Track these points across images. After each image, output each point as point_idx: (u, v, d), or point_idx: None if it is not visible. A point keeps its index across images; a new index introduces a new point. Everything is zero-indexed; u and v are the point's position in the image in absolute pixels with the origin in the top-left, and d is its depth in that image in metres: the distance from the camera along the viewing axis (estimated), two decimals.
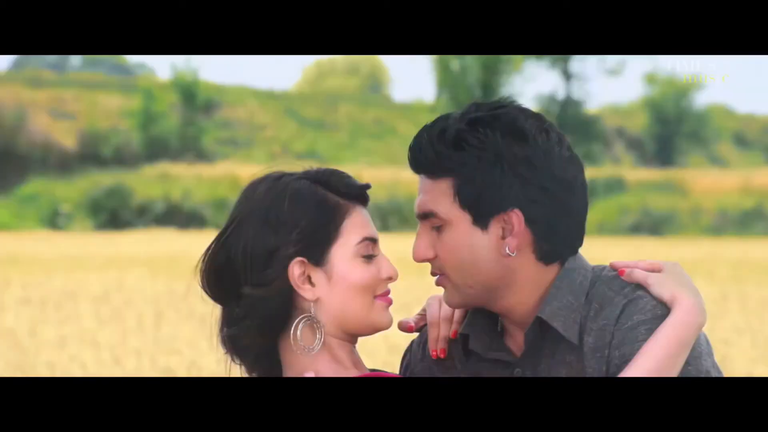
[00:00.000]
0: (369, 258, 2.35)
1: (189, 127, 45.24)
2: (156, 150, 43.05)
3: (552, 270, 2.34)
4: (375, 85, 61.61)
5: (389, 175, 31.87)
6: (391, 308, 2.39)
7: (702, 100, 78.03)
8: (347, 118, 50.51)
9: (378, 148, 47.65)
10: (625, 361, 2.24)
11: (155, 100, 45.16)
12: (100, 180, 38.18)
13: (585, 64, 47.35)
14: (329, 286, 2.33)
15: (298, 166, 2.40)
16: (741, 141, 53.88)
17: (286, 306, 2.32)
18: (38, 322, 13.44)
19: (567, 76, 46.65)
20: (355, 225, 2.35)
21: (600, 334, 2.29)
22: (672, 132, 49.30)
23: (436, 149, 2.30)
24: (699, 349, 2.28)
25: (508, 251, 2.29)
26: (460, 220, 2.31)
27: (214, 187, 36.87)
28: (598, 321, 2.29)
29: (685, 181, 41.63)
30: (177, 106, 45.91)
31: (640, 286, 2.30)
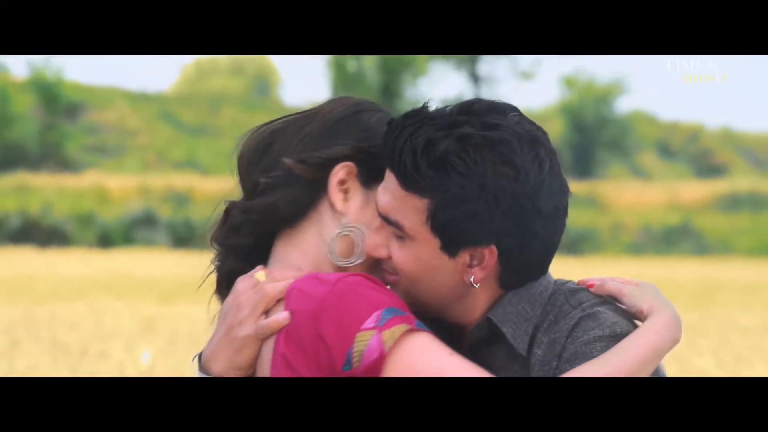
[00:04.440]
0: None
1: (50, 132, 44.72)
2: (12, 158, 42.45)
3: None
4: (263, 86, 61.56)
5: None
6: None
7: (622, 106, 79.35)
8: (231, 123, 50.33)
9: None
10: None
11: (11, 101, 44.55)
12: None
13: (495, 65, 47.91)
14: (359, 212, 2.35)
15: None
16: (665, 151, 54.90)
17: (310, 196, 2.34)
18: None
19: (475, 78, 47.10)
20: None
21: (550, 347, 2.33)
22: (590, 140, 50.03)
23: (416, 162, 2.28)
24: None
25: (472, 281, 2.33)
26: (427, 240, 2.31)
27: (79, 200, 36.46)
28: (550, 334, 2.33)
29: (606, 194, 42.27)
30: (36, 109, 45.35)
31: (600, 303, 2.34)
